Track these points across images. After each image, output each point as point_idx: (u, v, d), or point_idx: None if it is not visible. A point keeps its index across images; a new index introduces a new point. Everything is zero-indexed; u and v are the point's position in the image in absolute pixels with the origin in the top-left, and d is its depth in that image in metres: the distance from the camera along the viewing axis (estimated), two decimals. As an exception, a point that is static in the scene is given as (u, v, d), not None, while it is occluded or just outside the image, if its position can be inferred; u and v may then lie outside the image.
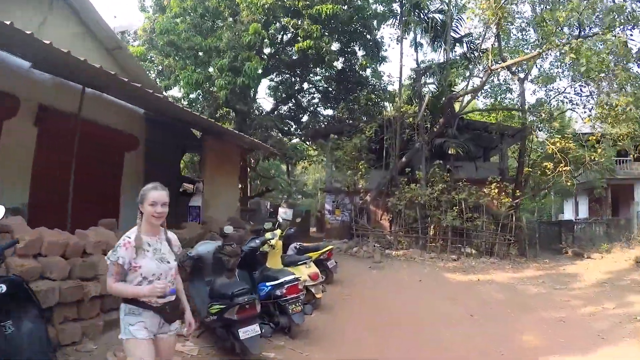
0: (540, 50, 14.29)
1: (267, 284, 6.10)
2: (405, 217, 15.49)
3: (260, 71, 15.04)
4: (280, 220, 20.39)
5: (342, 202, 21.24)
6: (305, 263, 7.77)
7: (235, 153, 13.48)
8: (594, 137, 15.19)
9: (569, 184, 15.01)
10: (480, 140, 20.50)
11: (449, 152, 17.76)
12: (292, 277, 6.12)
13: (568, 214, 34.89)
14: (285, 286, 5.93)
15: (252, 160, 28.22)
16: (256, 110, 18.33)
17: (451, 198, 14.90)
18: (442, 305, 8.42)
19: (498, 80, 24.75)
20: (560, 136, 15.59)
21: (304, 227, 24.48)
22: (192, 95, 19.25)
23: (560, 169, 13.99)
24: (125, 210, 9.74)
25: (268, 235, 8.65)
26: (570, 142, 14.49)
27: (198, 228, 8.26)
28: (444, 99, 16.37)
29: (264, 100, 42.62)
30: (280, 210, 20.02)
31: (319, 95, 25.45)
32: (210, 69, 17.27)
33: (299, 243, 10.49)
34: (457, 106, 18.21)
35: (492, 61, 15.08)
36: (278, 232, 8.84)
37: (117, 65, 10.10)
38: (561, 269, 14.27)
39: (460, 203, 15.02)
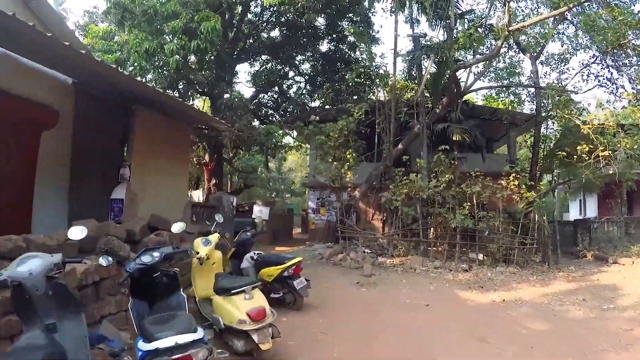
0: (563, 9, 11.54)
1: (140, 346, 3.07)
2: (403, 217, 12.49)
3: (219, 28, 11.86)
4: (255, 220, 17.44)
5: (327, 199, 18.25)
6: (244, 291, 4.71)
7: (183, 134, 10.43)
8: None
9: (610, 172, 12.15)
10: (484, 129, 17.58)
11: (453, 138, 14.84)
12: (188, 338, 3.05)
13: (574, 213, 32.34)
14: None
15: (231, 154, 25.19)
16: (235, 98, 15.19)
17: (461, 192, 11.94)
18: (468, 352, 5.41)
19: (504, 61, 22.32)
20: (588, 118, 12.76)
21: (286, 227, 21.45)
22: (150, 75, 16.14)
23: (599, 154, 11.07)
24: (40, 205, 6.89)
25: (197, 242, 5.70)
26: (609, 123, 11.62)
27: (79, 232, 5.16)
28: (448, 71, 13.30)
29: (244, 86, 39.32)
30: (255, 208, 17.01)
31: (305, 83, 22.62)
32: (166, 37, 14.19)
33: (257, 252, 7.57)
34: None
35: (507, 24, 12.13)
36: (214, 237, 5.87)
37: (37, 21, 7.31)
38: (594, 279, 11.55)
39: (471, 199, 12.08)
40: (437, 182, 11.91)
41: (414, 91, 14.96)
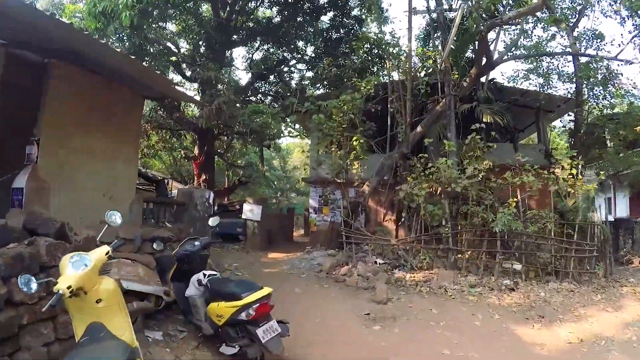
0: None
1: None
2: (426, 217, 9.64)
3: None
4: (246, 220, 14.70)
5: (331, 197, 15.49)
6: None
7: (131, 106, 7.75)
8: None
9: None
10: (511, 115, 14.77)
11: (483, 120, 12.03)
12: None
13: (602, 213, 29.02)
14: None
15: (225, 147, 22.54)
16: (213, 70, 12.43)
17: (505, 185, 9.13)
18: None
19: (531, 38, 19.50)
20: None
21: (284, 229, 18.71)
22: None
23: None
24: None
25: (64, 263, 2.90)
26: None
27: None
28: (481, 28, 10.32)
29: (243, 74, 36.67)
30: (246, 207, 14.31)
31: (307, 69, 19.87)
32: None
33: (210, 273, 4.82)
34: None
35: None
36: (98, 253, 3.05)
37: None
38: (672, 297, 8.75)
39: (514, 194, 9.27)
40: (475, 170, 9.03)
41: (433, 62, 12.12)
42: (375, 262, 9.89)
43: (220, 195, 21.00)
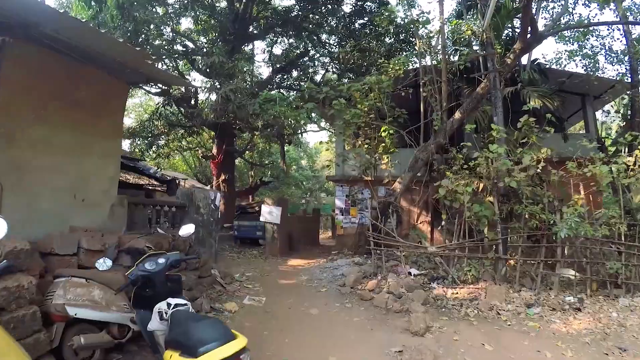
0: None
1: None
2: (471, 220, 7.97)
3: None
4: (265, 223, 13.38)
5: (358, 197, 14.00)
6: None
7: (112, 94, 6.54)
8: None
9: None
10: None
11: (530, 103, 10.22)
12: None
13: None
14: None
15: (247, 145, 21.42)
16: (217, 56, 11.18)
17: (564, 179, 7.39)
18: None
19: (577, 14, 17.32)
20: None
21: (310, 232, 17.34)
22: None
23: None
24: None
25: None
26: None
27: None
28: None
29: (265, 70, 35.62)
30: (264, 209, 13.04)
31: (330, 61, 18.43)
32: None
33: (176, 302, 3.41)
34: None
35: None
36: None
37: None
38: None
39: (577, 190, 7.51)
40: (532, 161, 7.30)
41: (472, 33, 10.37)
42: (409, 274, 8.32)
43: (242, 197, 19.89)
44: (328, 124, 13.62)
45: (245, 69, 11.56)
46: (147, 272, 3.80)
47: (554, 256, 7.89)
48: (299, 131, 14.65)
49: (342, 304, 6.83)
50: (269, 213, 12.97)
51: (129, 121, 24.10)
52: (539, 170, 7.40)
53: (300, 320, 5.99)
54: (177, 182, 13.04)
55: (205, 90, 9.51)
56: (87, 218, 6.00)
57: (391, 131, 10.39)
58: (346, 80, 16.69)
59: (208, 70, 11.61)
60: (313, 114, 9.43)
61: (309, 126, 18.86)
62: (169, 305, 3.58)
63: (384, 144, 10.54)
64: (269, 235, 12.96)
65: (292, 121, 9.96)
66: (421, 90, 10.73)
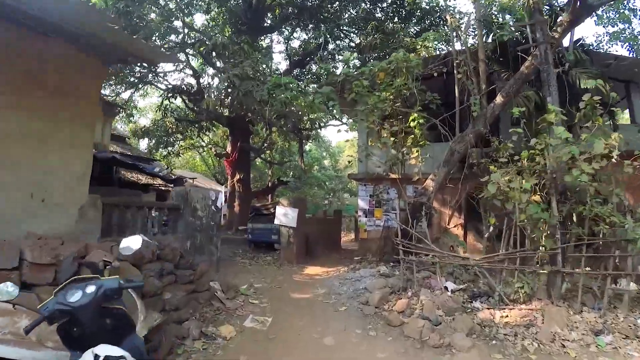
0: None
1: None
2: (524, 224, 6.45)
3: None
4: (280, 226, 12.09)
5: (384, 197, 12.61)
6: None
7: (85, 74, 5.38)
8: None
9: None
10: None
11: (580, 87, 8.68)
12: None
13: None
14: None
15: (263, 143, 20.24)
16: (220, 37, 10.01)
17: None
18: None
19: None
20: None
21: (331, 235, 16.01)
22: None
23: None
24: None
25: None
26: None
27: None
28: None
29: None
30: (279, 210, 11.81)
31: (351, 52, 17.02)
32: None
33: (107, 354, 2.05)
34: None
35: None
36: None
37: None
38: None
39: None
40: (606, 148, 5.74)
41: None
42: (446, 289, 6.89)
43: (259, 197, 18.77)
44: (346, 116, 12.20)
45: (251, 53, 10.28)
46: (67, 307, 2.54)
47: (617, 268, 6.36)
48: (316, 124, 13.27)
49: (365, 330, 5.47)
50: (284, 215, 11.70)
51: (145, 121, 23.38)
52: (614, 160, 5.84)
53: (310, 354, 4.67)
54: (184, 181, 11.98)
55: (209, 76, 8.40)
56: (49, 222, 4.87)
57: (421, 120, 8.94)
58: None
59: (212, 54, 10.47)
60: (330, 101, 8.06)
61: (328, 120, 17.60)
62: (96, 357, 2.32)
63: (412, 136, 9.10)
64: (284, 240, 11.69)
65: (306, 109, 8.64)
66: (455, 72, 9.22)
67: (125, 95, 18.14)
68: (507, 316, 5.95)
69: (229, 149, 16.64)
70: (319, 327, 5.67)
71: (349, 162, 11.52)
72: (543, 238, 6.50)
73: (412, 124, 8.98)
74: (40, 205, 4.81)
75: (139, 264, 5.46)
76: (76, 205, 5.15)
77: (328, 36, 16.98)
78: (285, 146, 22.05)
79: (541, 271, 6.39)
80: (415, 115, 8.92)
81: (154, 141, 16.83)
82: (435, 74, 9.07)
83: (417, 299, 6.37)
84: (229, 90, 8.41)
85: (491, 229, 7.23)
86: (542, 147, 6.10)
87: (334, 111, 8.25)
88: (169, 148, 16.87)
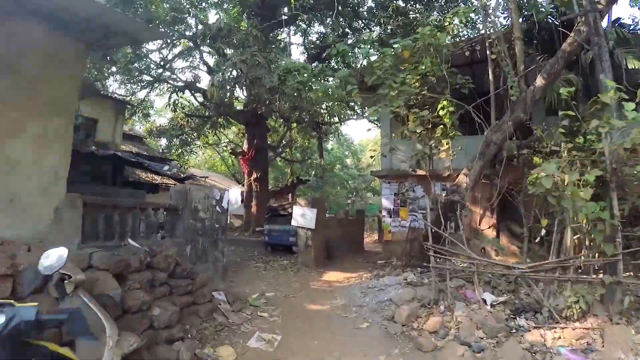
0: None
1: None
2: (580, 227, 5.38)
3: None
4: (297, 228, 11.20)
5: (410, 195, 11.64)
6: None
7: (50, 56, 4.63)
8: None
9: None
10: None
11: (626, 67, 7.60)
12: None
13: None
14: None
15: (281, 140, 19.49)
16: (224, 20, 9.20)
17: None
18: None
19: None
20: None
21: (353, 237, 15.08)
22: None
23: None
24: None
25: None
26: None
27: None
28: None
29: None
30: (296, 211, 11.03)
31: (370, 47, 15.98)
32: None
33: None
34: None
35: None
36: None
37: None
38: None
39: None
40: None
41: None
42: (484, 302, 5.88)
43: (277, 197, 18.01)
44: (367, 107, 11.23)
45: (261, 40, 9.39)
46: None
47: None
48: (335, 117, 12.30)
49: (390, 356, 4.54)
50: (302, 216, 10.86)
51: (162, 121, 22.93)
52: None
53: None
54: (195, 179, 11.31)
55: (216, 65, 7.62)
56: (19, 226, 4.16)
57: (451, 109, 7.93)
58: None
59: (217, 40, 9.69)
60: (348, 86, 7.12)
61: (347, 116, 16.59)
62: None
63: (442, 126, 8.11)
64: (302, 243, 10.85)
65: (321, 95, 7.74)
66: (488, 53, 8.13)
67: (142, 94, 17.67)
68: (559, 337, 4.92)
69: (245, 147, 15.94)
70: (336, 349, 4.78)
71: (372, 157, 10.54)
72: (600, 242, 5.42)
73: (440, 113, 7.98)
74: (9, 207, 4.10)
75: (123, 273, 4.71)
76: (50, 206, 4.43)
77: (347, 29, 16.00)
78: (305, 144, 21.21)
79: (601, 282, 5.31)
80: (445, 102, 7.92)
81: (167, 140, 16.29)
82: (467, 54, 8.00)
83: (452, 315, 5.40)
84: (236, 78, 7.62)
85: (542, 232, 6.14)
86: (606, 130, 5.00)
87: (353, 95, 7.25)
88: (184, 146, 16.30)
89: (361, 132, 69.57)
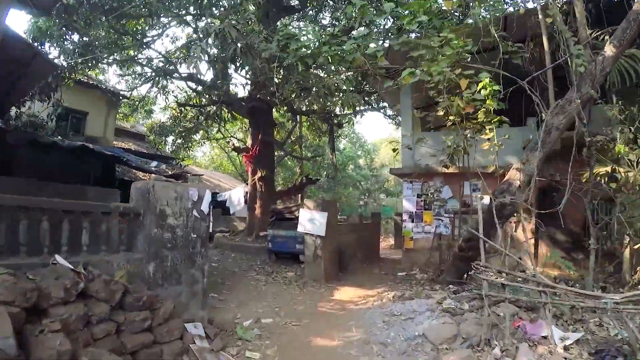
0: None
1: None
2: None
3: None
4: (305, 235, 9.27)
5: (435, 196, 10.00)
6: None
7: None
8: None
9: None
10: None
11: None
12: None
13: None
14: None
15: (289, 136, 17.87)
16: None
17: None
18: None
19: None
20: None
21: (368, 243, 13.44)
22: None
23: None
24: None
25: None
26: None
27: None
28: None
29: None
30: (303, 215, 9.50)
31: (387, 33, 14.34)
32: None
33: None
34: None
35: None
36: None
37: None
38: None
39: None
40: None
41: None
42: (554, 343, 4.24)
43: (285, 198, 16.45)
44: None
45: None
46: None
47: None
48: (350, 105, 10.58)
49: None
50: (310, 221, 9.24)
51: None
52: None
53: None
54: (186, 177, 9.83)
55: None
56: None
57: (496, 87, 6.26)
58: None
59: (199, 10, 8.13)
60: (369, 48, 5.49)
61: (361, 111, 14.91)
62: None
63: (483, 110, 6.44)
64: (310, 253, 9.21)
65: (334, 64, 6.13)
66: (540, 17, 6.44)
67: (143, 90, 16.23)
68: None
69: (249, 142, 14.42)
70: None
71: (394, 150, 8.88)
72: None
73: (483, 93, 6.32)
74: None
75: (41, 307, 3.20)
76: None
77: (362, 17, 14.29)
78: (315, 141, 19.58)
79: None
80: (487, 80, 6.25)
81: (165, 136, 14.86)
82: (522, 11, 6.33)
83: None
84: (223, 46, 6.10)
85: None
86: None
87: (379, 58, 5.57)
88: (178, 140, 14.82)
89: (374, 131, 67.72)
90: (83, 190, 6.34)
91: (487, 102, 6.40)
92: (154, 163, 9.31)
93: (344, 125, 15.73)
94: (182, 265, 4.78)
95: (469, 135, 7.53)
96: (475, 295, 6.16)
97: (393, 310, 5.96)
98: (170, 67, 13.16)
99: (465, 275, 7.65)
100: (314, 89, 8.20)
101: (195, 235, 4.97)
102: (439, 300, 6.09)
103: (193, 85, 14.00)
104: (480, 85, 6.33)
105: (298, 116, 16.39)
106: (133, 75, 15.06)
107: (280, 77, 7.10)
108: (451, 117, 7.54)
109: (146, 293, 4.07)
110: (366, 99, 15.08)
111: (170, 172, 9.25)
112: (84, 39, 10.87)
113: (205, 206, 5.10)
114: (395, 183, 38.44)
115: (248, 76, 7.77)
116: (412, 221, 10.63)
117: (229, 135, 18.25)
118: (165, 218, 4.66)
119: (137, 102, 16.34)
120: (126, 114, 18.50)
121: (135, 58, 13.61)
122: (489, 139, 6.61)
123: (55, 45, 10.52)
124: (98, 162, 9.11)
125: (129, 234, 4.50)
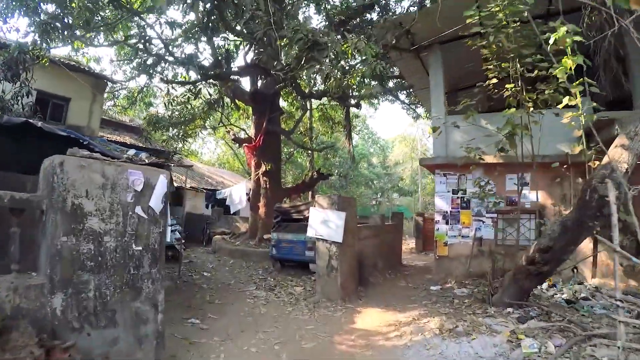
0: None
1: None
2: None
3: None
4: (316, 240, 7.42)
5: (486, 190, 7.90)
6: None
7: None
8: None
9: None
10: None
11: None
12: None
13: None
14: None
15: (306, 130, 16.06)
16: None
17: None
18: None
19: None
20: None
21: (391, 248, 11.56)
22: None
23: None
24: None
25: None
26: None
27: None
28: None
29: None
30: (314, 215, 7.63)
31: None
32: None
33: None
34: None
35: None
36: None
37: None
38: None
39: None
40: None
41: None
42: None
43: (293, 196, 14.67)
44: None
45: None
46: None
47: None
48: (369, 91, 8.69)
49: None
50: (323, 223, 7.34)
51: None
52: None
53: None
54: (169, 167, 8.11)
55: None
56: None
57: (577, 37, 4.41)
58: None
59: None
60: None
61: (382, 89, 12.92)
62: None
63: (562, 68, 4.57)
64: (323, 264, 7.30)
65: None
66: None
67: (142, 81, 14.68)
68: None
69: (252, 132, 12.66)
70: None
71: (435, 130, 7.06)
72: None
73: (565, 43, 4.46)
74: None
75: None
76: None
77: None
78: (326, 133, 17.64)
79: None
80: (564, 30, 4.40)
81: (164, 129, 13.21)
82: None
83: None
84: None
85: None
86: None
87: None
88: (174, 131, 13.16)
89: (388, 128, 65.55)
90: (22, 181, 4.64)
91: (565, 59, 4.54)
92: (132, 151, 7.58)
93: (364, 100, 13.56)
94: (117, 296, 2.98)
95: (531, 111, 5.74)
96: (557, 326, 4.37)
97: (445, 354, 4.11)
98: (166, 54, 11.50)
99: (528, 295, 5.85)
100: (327, 56, 6.40)
101: (139, 248, 3.17)
102: (509, 338, 4.24)
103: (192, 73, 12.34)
104: (555, 35, 4.48)
105: (308, 103, 14.60)
106: (125, 59, 13.43)
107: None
108: (508, 86, 5.84)
109: (36, 352, 2.29)
110: (385, 86, 13.20)
111: (147, 161, 7.56)
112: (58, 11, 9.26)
113: (157, 201, 3.31)
114: (410, 182, 36.49)
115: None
116: (447, 223, 8.73)
117: (229, 124, 16.46)
118: (83, 218, 2.87)
119: (135, 94, 14.78)
120: (124, 106, 17.01)
121: (126, 36, 11.96)
122: (572, 108, 4.77)
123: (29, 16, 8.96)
124: (51, 147, 7.44)
125: (26, 243, 2.73)
